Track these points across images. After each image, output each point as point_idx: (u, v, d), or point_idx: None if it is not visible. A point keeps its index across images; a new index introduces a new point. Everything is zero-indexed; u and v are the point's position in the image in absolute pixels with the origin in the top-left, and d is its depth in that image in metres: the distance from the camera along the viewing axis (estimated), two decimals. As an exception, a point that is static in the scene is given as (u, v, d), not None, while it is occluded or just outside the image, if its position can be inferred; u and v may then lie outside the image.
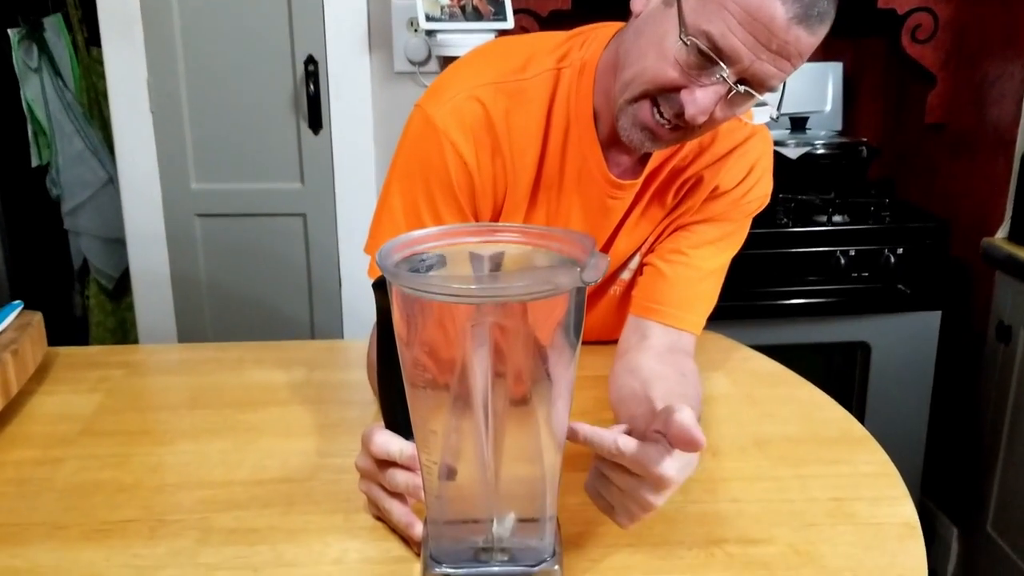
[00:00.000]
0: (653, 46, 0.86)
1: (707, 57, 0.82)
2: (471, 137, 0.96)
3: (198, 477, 0.89)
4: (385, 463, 0.75)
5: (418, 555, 0.75)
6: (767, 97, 0.87)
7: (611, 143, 0.97)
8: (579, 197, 1.01)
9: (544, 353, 0.65)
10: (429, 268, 0.69)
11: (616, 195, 1.00)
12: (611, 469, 0.70)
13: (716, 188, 1.01)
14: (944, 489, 2.03)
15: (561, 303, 0.63)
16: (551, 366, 0.66)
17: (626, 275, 1.08)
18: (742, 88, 0.83)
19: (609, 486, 0.71)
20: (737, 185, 1.01)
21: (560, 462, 0.70)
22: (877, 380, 1.92)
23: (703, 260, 1.02)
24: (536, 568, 0.69)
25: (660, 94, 0.87)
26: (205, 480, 0.88)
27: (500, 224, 0.73)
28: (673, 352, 0.98)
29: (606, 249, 1.04)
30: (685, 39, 0.82)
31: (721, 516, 0.81)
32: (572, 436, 0.69)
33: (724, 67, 0.82)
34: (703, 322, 1.03)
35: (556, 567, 0.69)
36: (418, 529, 0.74)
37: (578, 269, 0.60)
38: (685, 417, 0.66)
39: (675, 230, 1.04)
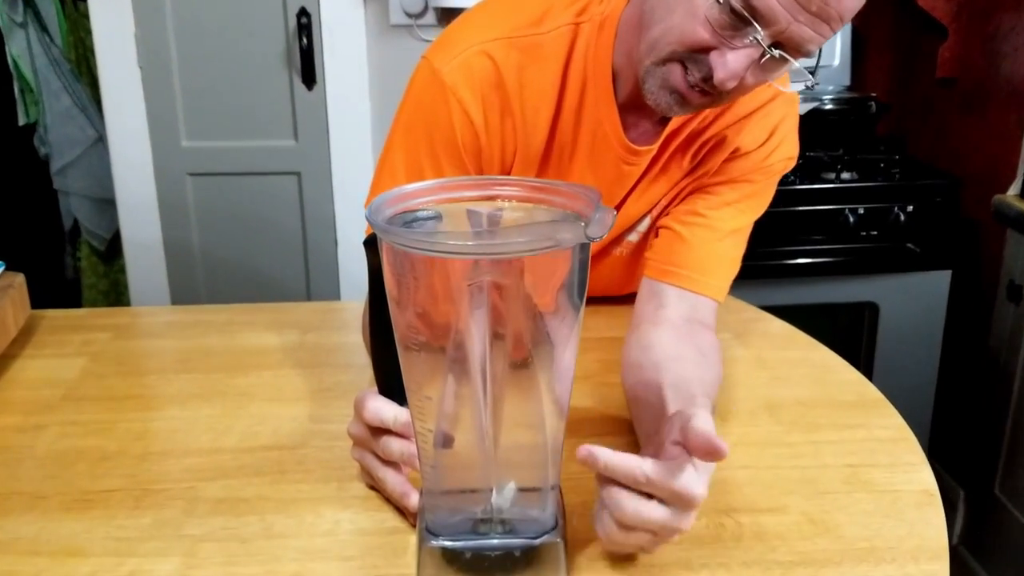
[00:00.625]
0: (682, 2, 0.79)
1: (741, 17, 0.75)
2: (479, 95, 0.90)
3: (185, 445, 0.85)
4: (379, 430, 0.72)
5: (414, 526, 0.72)
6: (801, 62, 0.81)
7: (630, 105, 0.91)
8: (592, 162, 0.95)
9: (546, 314, 0.61)
10: (423, 226, 0.65)
11: (632, 161, 0.95)
12: (628, 497, 0.62)
13: (737, 149, 0.95)
14: (951, 451, 2.01)
15: (563, 260, 0.59)
16: (553, 328, 0.62)
17: (633, 237, 1.03)
18: (777, 52, 0.77)
19: (625, 515, 0.63)
20: (760, 146, 0.95)
21: (563, 429, 0.66)
22: (885, 341, 1.88)
23: (723, 222, 0.96)
24: (538, 540, 0.65)
25: (688, 55, 0.80)
26: (192, 448, 0.84)
27: (499, 177, 0.69)
28: (691, 323, 0.91)
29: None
30: None
31: (731, 484, 0.77)
32: (591, 463, 0.62)
33: (759, 28, 0.75)
34: (725, 287, 0.96)
35: (558, 539, 0.66)
36: (414, 499, 0.71)
37: (582, 224, 0.56)
38: (703, 424, 0.60)
39: (692, 192, 0.98)
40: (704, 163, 0.97)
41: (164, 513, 0.74)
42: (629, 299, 1.12)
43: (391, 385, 0.71)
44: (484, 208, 0.68)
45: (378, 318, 0.69)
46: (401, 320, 0.62)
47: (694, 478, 0.60)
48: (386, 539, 0.71)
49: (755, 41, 0.77)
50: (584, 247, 0.60)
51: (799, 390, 0.93)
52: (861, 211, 1.81)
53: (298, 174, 2.01)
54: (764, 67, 0.79)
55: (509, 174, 0.95)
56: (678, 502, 0.61)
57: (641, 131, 0.94)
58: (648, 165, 0.96)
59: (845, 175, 1.84)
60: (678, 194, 0.99)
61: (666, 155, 0.96)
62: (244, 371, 0.99)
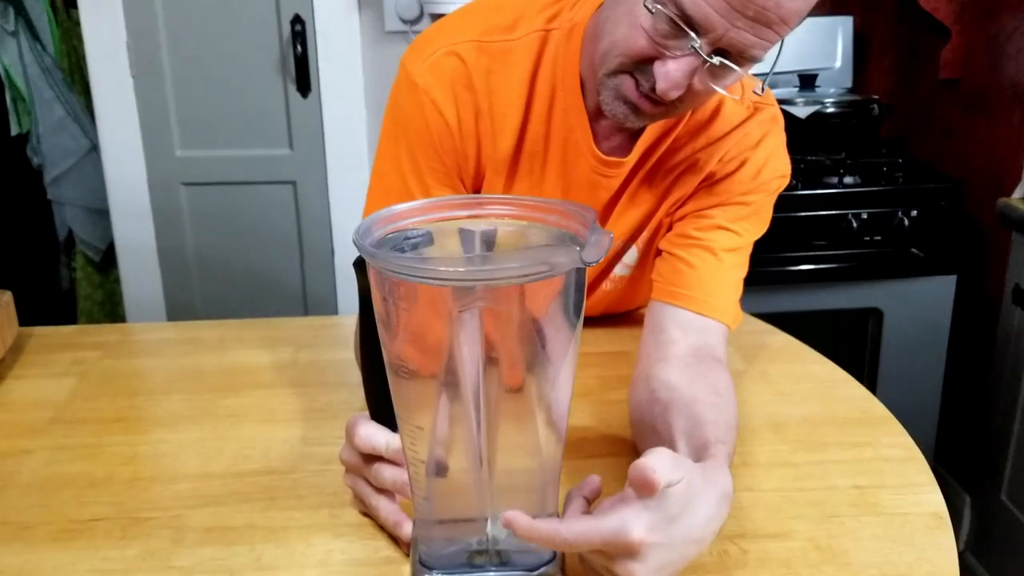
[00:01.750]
0: (626, 14, 0.77)
1: (677, 26, 0.74)
2: (451, 94, 0.89)
3: (173, 469, 0.83)
4: (371, 457, 0.69)
5: (407, 555, 0.69)
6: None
7: (600, 114, 0.88)
8: (564, 170, 0.93)
9: (541, 338, 0.59)
10: (415, 246, 0.63)
11: (605, 172, 0.92)
12: (587, 555, 0.61)
13: (713, 174, 0.92)
14: (957, 457, 1.98)
15: (559, 285, 0.57)
16: (549, 352, 0.59)
17: (621, 270, 1.01)
18: (718, 60, 0.75)
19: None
20: (740, 167, 0.92)
21: (561, 454, 0.64)
22: (890, 347, 1.86)
23: (719, 244, 0.92)
24: (535, 573, 0.63)
25: (635, 66, 0.79)
26: (180, 472, 0.82)
27: (491, 196, 0.66)
28: (701, 358, 0.85)
29: None
30: (651, 6, 0.74)
31: (735, 507, 0.74)
32: (513, 528, 0.58)
33: (695, 36, 0.73)
34: (733, 311, 0.91)
35: (557, 572, 0.64)
36: (407, 528, 0.69)
37: (577, 249, 0.53)
38: (648, 458, 0.57)
39: (682, 219, 0.95)
40: (678, 185, 0.94)
41: (151, 543, 0.72)
42: (629, 315, 1.10)
43: (382, 410, 0.69)
44: (477, 226, 0.66)
45: (369, 342, 0.67)
46: (391, 346, 0.60)
47: (627, 520, 0.56)
48: (380, 570, 0.69)
49: (694, 50, 0.75)
50: (580, 270, 0.58)
51: (804, 407, 0.91)
52: (864, 216, 1.79)
53: (294, 183, 1.99)
54: (712, 74, 0.77)
55: (482, 178, 0.94)
56: (618, 551, 0.57)
57: (615, 144, 0.92)
58: (625, 182, 0.94)
59: (848, 179, 1.82)
60: (660, 223, 0.96)
61: (642, 172, 0.94)
62: (235, 391, 0.97)
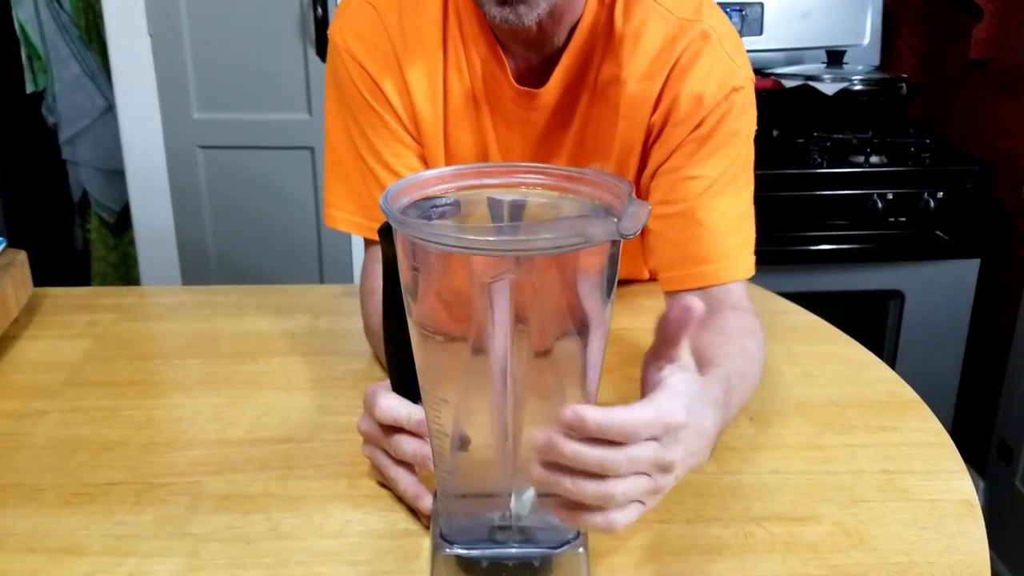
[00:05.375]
0: None
1: None
2: (369, 44, 0.89)
3: (190, 435, 0.82)
4: (391, 428, 0.68)
5: (427, 528, 0.68)
6: None
7: (507, 41, 0.88)
8: (495, 109, 0.92)
9: (572, 312, 0.57)
10: (442, 215, 0.61)
11: (526, 104, 0.90)
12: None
13: (653, 125, 0.88)
14: (972, 442, 1.96)
15: (593, 257, 0.55)
16: (580, 327, 0.58)
17: None
18: None
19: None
20: (676, 102, 0.85)
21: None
22: (910, 330, 1.84)
23: (693, 200, 0.86)
24: (558, 551, 0.62)
25: None
26: (197, 438, 0.81)
27: (522, 164, 0.64)
28: (712, 313, 0.81)
29: None
30: None
31: (761, 490, 0.73)
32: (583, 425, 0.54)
33: None
34: (738, 260, 0.87)
35: (580, 549, 0.62)
36: (427, 502, 0.67)
37: (614, 220, 0.51)
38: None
39: (654, 189, 0.90)
40: (625, 122, 0.88)
41: (167, 509, 0.71)
42: (646, 288, 1.08)
43: (405, 382, 0.67)
44: (505, 196, 0.64)
45: (392, 311, 0.65)
46: (416, 317, 0.58)
47: (665, 403, 0.56)
48: (398, 542, 0.68)
49: None
50: (615, 242, 0.56)
51: (831, 389, 0.89)
52: (890, 196, 1.75)
53: (311, 149, 1.96)
54: None
55: (417, 128, 0.92)
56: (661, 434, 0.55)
57: (539, 75, 0.90)
58: (557, 115, 0.91)
59: (874, 159, 1.79)
60: (638, 186, 0.92)
61: (578, 107, 0.90)
62: (252, 357, 0.96)
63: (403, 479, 0.69)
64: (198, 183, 1.98)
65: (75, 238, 2.52)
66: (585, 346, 0.58)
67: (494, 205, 0.63)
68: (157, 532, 0.69)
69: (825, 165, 1.77)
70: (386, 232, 0.61)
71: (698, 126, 0.86)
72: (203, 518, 0.70)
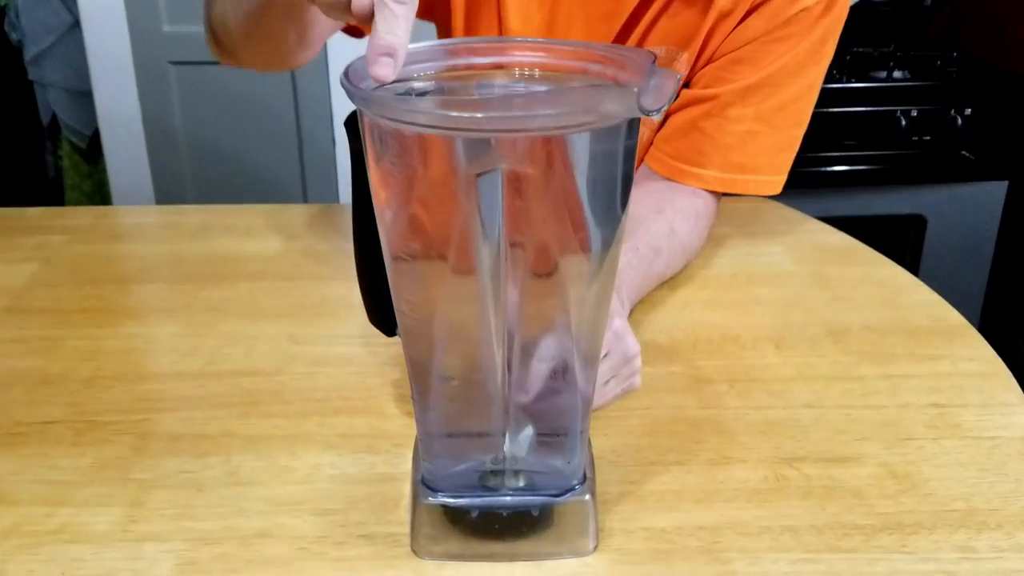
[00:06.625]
0: None
1: None
2: None
3: (141, 367, 0.72)
4: None
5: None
6: None
7: None
8: None
9: (580, 215, 0.47)
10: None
11: None
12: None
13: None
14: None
15: (606, 142, 0.44)
16: (589, 234, 0.47)
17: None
18: None
19: None
20: None
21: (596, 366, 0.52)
22: (931, 257, 1.73)
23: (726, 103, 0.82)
24: (561, 499, 0.52)
25: None
26: (149, 371, 0.71)
27: (518, 39, 0.53)
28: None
29: None
30: None
31: (793, 426, 0.64)
32: None
33: None
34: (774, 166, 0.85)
35: (587, 496, 0.53)
36: (386, 71, 0.46)
37: (634, 90, 0.40)
38: None
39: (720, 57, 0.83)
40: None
41: (109, 451, 0.62)
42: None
43: (380, 304, 0.57)
44: (499, 80, 0.53)
45: (362, 217, 0.55)
46: (388, 222, 0.47)
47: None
48: (374, 488, 0.58)
49: None
50: (632, 127, 0.45)
51: (867, 313, 0.79)
52: (914, 113, 1.63)
53: (291, 65, 1.83)
54: None
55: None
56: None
57: None
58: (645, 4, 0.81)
59: (897, 74, 1.66)
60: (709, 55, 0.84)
61: None
62: (217, 282, 0.86)
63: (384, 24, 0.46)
64: (171, 102, 1.85)
65: (47, 165, 2.39)
66: (593, 262, 0.48)
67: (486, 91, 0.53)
68: (96, 477, 0.59)
69: (844, 80, 1.65)
70: (352, 125, 0.51)
71: (784, 24, 0.80)
72: (150, 461, 0.61)
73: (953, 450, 0.61)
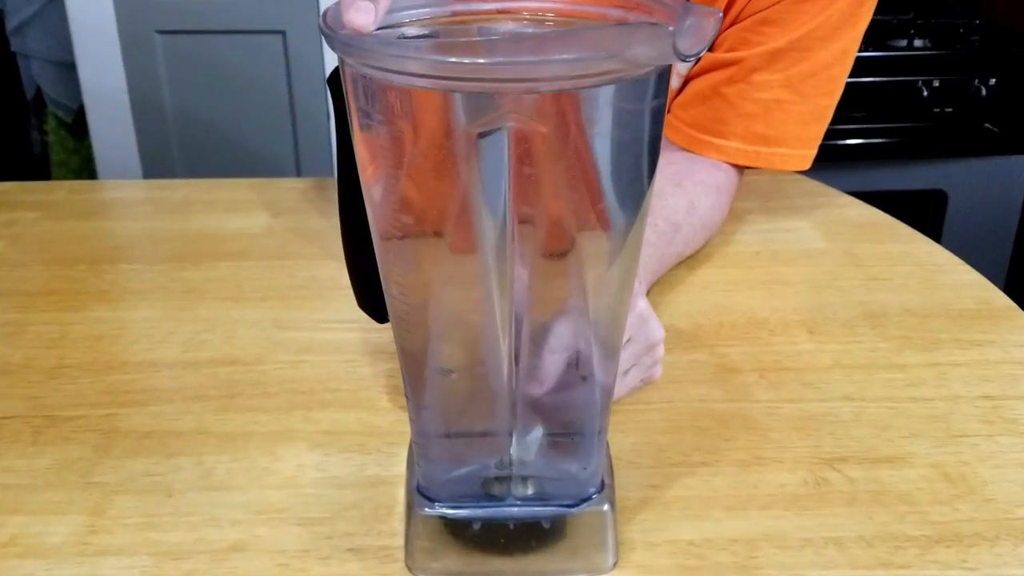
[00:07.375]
0: None
1: None
2: None
3: (110, 356, 0.65)
4: None
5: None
6: None
7: None
8: None
9: (599, 185, 0.40)
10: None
11: None
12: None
13: None
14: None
15: (631, 99, 0.37)
16: (609, 206, 0.41)
17: (674, 81, 0.82)
18: None
19: None
20: None
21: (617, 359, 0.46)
22: (951, 234, 1.66)
23: (752, 69, 0.75)
24: (576, 509, 0.46)
25: None
26: (118, 360, 0.65)
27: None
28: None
29: None
30: None
31: (832, 421, 0.57)
32: None
33: None
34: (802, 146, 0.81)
35: (605, 507, 0.46)
36: (364, 21, 0.38)
37: (669, 28, 0.33)
38: None
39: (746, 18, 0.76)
40: None
41: (70, 451, 0.55)
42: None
43: (369, 287, 0.50)
44: (504, 27, 0.46)
45: (348, 189, 0.48)
46: (375, 194, 0.41)
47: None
48: (365, 494, 0.52)
49: None
50: (662, 82, 0.38)
51: (906, 295, 0.72)
52: (936, 84, 1.56)
53: (283, 33, 1.75)
54: None
55: None
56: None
57: None
58: None
59: (917, 42, 1.59)
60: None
61: None
62: (195, 262, 0.79)
63: None
64: (157, 73, 1.77)
65: (32, 140, 2.31)
66: (615, 234, 0.41)
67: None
68: (54, 481, 0.53)
69: (862, 48, 1.57)
70: (335, 80, 0.44)
71: None
72: (114, 462, 0.54)
73: (1011, 448, 0.55)
